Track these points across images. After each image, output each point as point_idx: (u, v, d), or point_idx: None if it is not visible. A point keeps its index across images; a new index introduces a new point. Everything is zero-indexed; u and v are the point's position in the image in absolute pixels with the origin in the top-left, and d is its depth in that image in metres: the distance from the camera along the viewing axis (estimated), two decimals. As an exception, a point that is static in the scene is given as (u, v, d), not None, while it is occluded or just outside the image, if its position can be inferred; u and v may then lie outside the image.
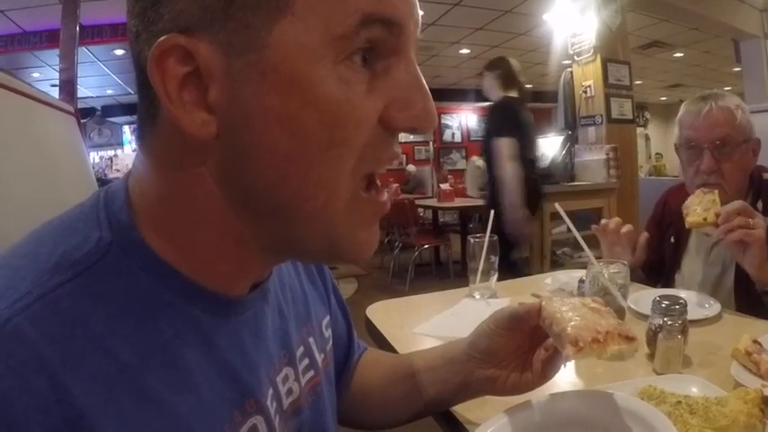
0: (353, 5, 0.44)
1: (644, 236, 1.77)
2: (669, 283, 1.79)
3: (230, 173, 0.48)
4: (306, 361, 0.70)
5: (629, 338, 0.70)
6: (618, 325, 0.72)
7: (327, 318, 0.82)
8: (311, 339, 0.73)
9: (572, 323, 0.70)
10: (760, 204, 1.58)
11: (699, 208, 1.41)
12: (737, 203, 1.33)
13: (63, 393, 0.38)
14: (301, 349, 0.70)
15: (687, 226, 1.43)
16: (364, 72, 0.47)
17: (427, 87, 0.50)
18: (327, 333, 0.80)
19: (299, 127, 0.45)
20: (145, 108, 0.49)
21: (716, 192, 1.44)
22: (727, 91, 1.68)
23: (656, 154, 14.79)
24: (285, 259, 0.62)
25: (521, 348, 0.81)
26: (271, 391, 0.59)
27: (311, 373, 0.71)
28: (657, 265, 1.86)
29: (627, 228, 1.72)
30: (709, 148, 1.55)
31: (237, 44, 0.44)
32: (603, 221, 1.76)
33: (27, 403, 0.37)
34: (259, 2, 0.43)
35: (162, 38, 0.43)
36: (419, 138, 13.34)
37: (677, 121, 1.69)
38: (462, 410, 0.91)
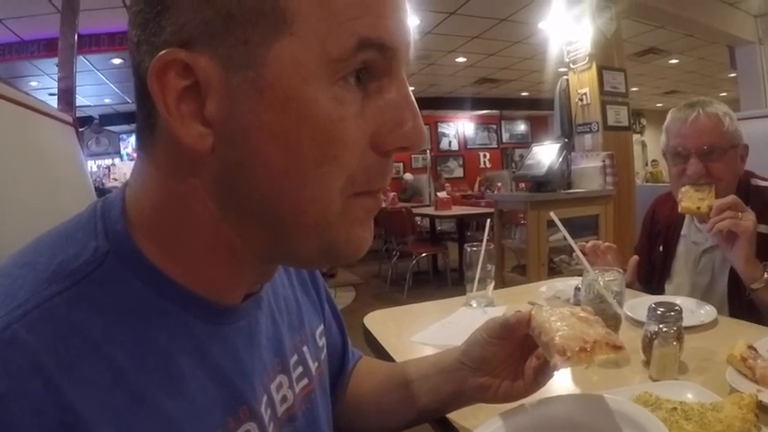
0: (350, 29, 0.45)
1: (634, 259, 1.77)
2: (660, 292, 1.79)
3: (224, 185, 0.49)
4: (300, 369, 0.71)
5: (617, 347, 0.70)
6: (606, 334, 0.73)
7: (321, 327, 0.83)
8: (305, 348, 0.74)
9: (560, 333, 0.71)
10: None
11: (694, 196, 1.46)
12: (730, 198, 1.37)
13: (59, 397, 0.39)
14: (295, 357, 0.70)
15: (680, 210, 1.46)
16: (357, 92, 0.48)
17: (417, 107, 0.52)
18: (321, 342, 0.81)
19: (293, 143, 0.46)
20: (143, 117, 0.50)
21: (713, 186, 1.47)
22: (723, 97, 1.70)
23: (653, 161, 14.82)
24: (278, 267, 0.63)
25: (513, 357, 0.82)
26: (265, 399, 0.60)
27: (305, 381, 0.71)
28: (651, 276, 1.87)
29: (605, 245, 1.72)
30: (697, 153, 1.56)
31: (236, 59, 0.45)
32: (589, 244, 1.75)
33: (23, 406, 0.38)
34: (258, 19, 0.44)
35: (163, 51, 0.44)
36: (416, 145, 13.35)
37: (664, 128, 1.70)
38: (457, 418, 0.91)
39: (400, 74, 0.51)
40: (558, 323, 0.74)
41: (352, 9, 0.45)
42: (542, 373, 0.79)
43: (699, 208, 1.40)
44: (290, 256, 0.56)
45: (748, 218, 1.34)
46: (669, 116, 1.68)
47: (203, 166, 0.48)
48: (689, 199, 1.45)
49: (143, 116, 0.50)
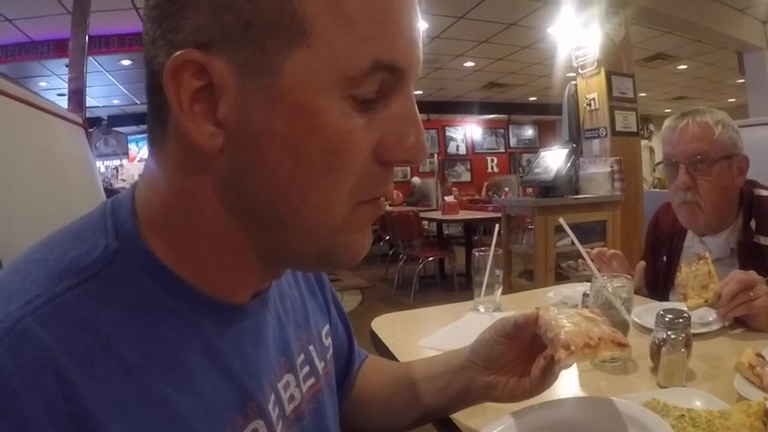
0: (366, 51, 0.46)
1: (641, 265, 1.75)
2: (665, 300, 1.74)
3: (231, 185, 0.50)
4: (306, 368, 0.71)
5: (622, 345, 0.72)
6: (611, 332, 0.74)
7: (327, 327, 0.83)
8: (311, 347, 0.75)
9: (565, 329, 0.73)
10: (753, 223, 1.56)
11: (696, 285, 1.34)
12: (735, 283, 1.26)
13: (70, 391, 0.39)
14: (302, 357, 0.71)
15: (688, 310, 1.28)
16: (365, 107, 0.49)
17: (421, 122, 0.53)
18: (327, 341, 0.82)
19: (302, 152, 0.47)
20: (154, 111, 0.51)
21: (708, 260, 1.36)
22: (731, 103, 1.68)
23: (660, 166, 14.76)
24: (282, 268, 0.64)
25: (520, 357, 0.83)
26: (273, 397, 0.60)
27: (312, 380, 0.72)
28: (656, 285, 1.85)
29: (610, 252, 1.72)
30: (685, 163, 1.56)
31: (252, 66, 0.45)
32: (594, 251, 1.73)
33: (36, 399, 0.38)
34: (278, 29, 0.44)
35: (179, 52, 0.45)
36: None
37: (660, 137, 1.69)
38: (461, 418, 0.92)
39: (408, 90, 0.52)
40: (565, 321, 0.75)
41: (370, 27, 0.46)
42: (549, 373, 0.80)
43: (706, 300, 1.30)
44: (290, 260, 0.57)
45: (761, 292, 1.24)
46: (663, 125, 1.68)
47: (212, 165, 0.49)
48: (692, 292, 1.34)
49: (153, 110, 0.51)
